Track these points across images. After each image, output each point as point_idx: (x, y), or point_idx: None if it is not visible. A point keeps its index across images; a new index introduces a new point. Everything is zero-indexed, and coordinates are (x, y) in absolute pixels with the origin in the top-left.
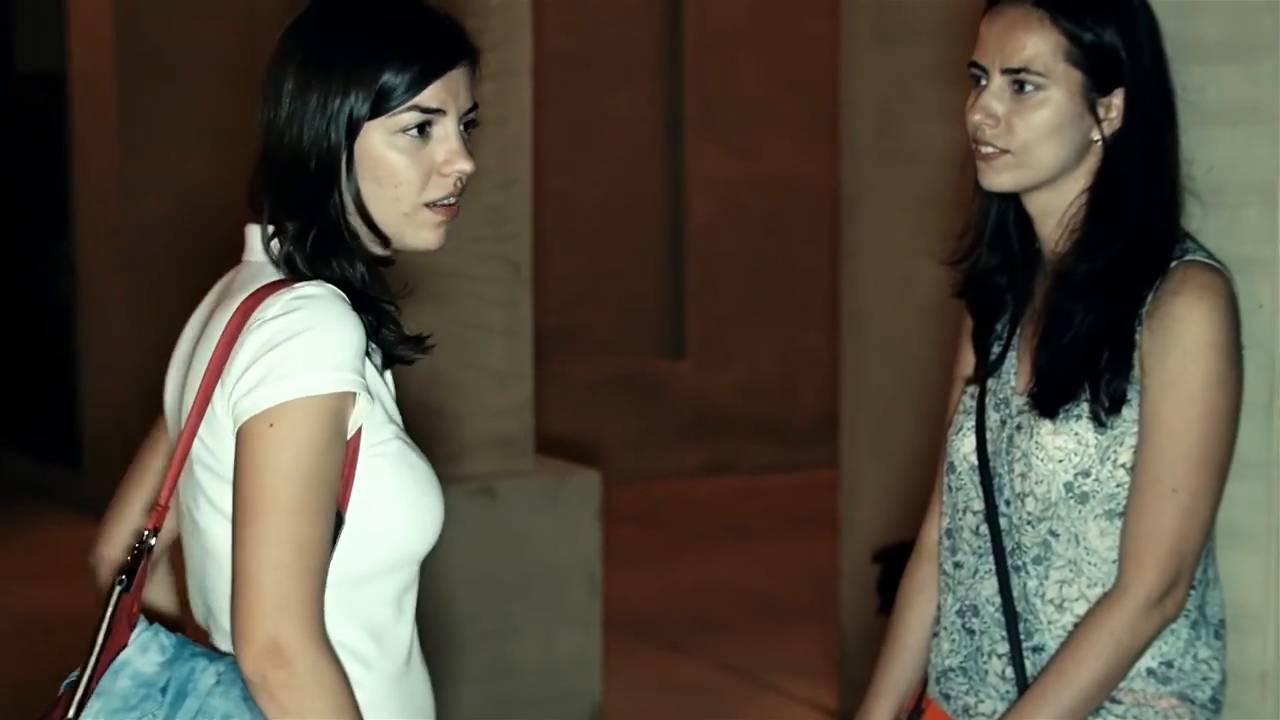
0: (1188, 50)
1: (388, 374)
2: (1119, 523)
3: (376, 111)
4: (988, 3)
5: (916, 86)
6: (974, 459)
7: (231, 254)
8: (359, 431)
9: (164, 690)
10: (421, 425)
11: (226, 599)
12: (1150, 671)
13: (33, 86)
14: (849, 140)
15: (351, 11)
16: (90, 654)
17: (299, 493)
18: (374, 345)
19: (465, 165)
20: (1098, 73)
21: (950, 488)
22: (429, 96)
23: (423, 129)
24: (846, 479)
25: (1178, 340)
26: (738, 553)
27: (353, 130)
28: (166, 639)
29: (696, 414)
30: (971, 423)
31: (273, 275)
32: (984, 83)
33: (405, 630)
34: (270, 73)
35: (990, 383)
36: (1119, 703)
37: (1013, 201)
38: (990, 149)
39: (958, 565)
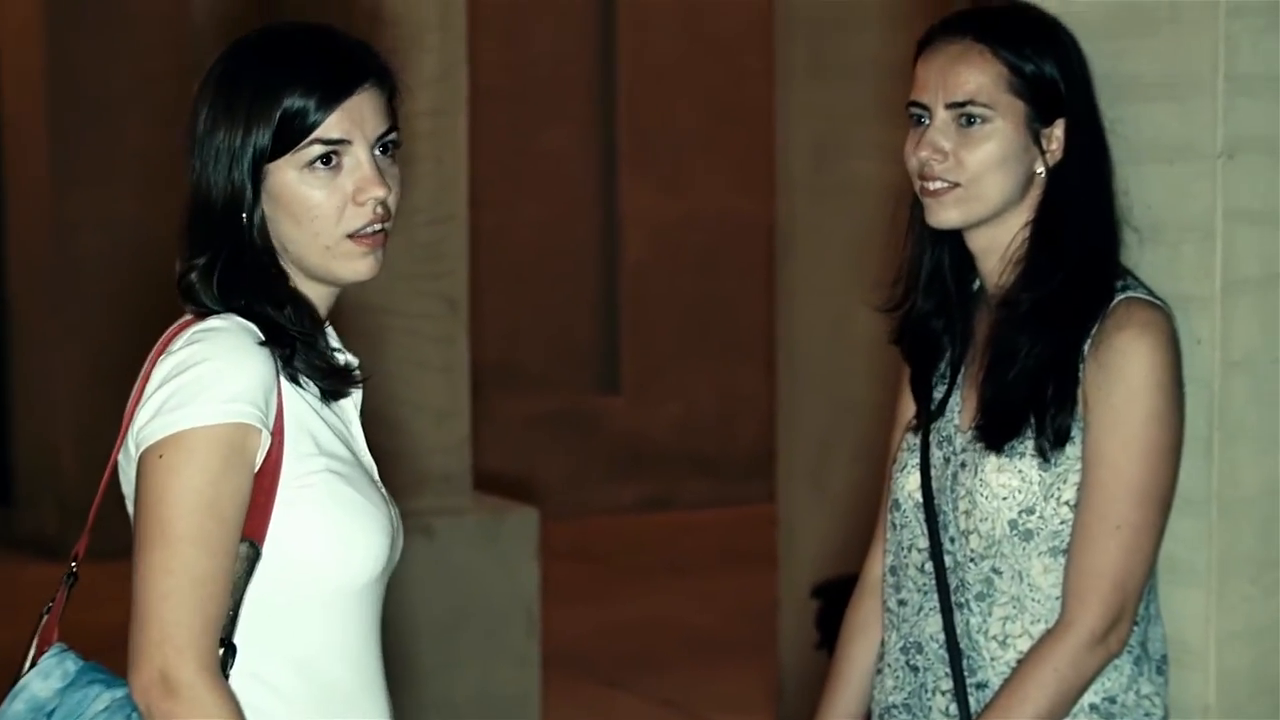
0: (1124, 88)
1: (344, 406)
2: (1063, 559)
3: (281, 147)
4: (919, 44)
5: (851, 123)
6: (919, 496)
7: (163, 291)
8: (277, 462)
9: (50, 715)
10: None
11: None
12: (1093, 707)
13: None
14: (783, 177)
15: (257, 49)
16: (17, 678)
17: (189, 523)
18: (305, 378)
19: (378, 191)
20: (1039, 103)
21: (895, 525)
22: (331, 126)
23: (329, 159)
24: (784, 515)
25: (1121, 377)
26: (675, 588)
27: (257, 166)
28: (73, 665)
29: (632, 450)
30: (916, 460)
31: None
32: (925, 122)
33: (341, 667)
34: (190, 119)
35: (934, 420)
36: None
37: (947, 245)
38: (939, 184)
39: (902, 603)
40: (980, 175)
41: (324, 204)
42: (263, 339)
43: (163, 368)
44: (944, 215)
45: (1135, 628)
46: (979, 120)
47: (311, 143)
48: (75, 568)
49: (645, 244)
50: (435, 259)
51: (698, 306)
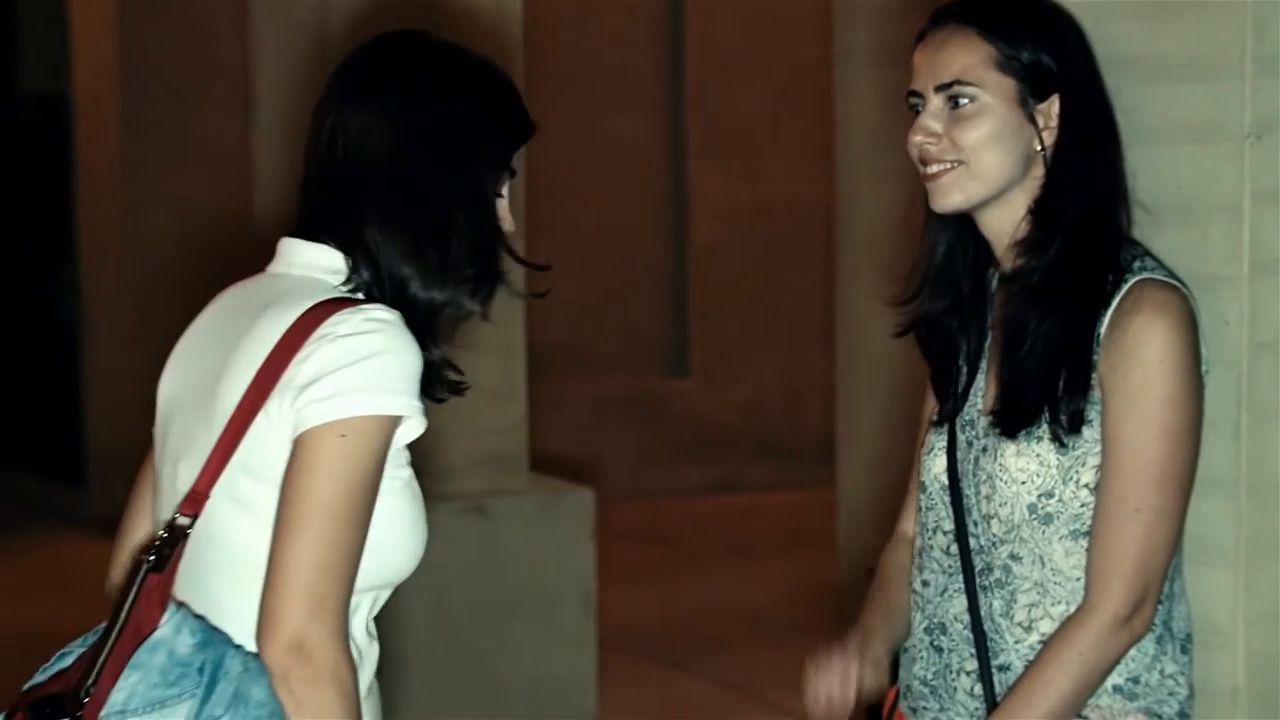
0: (1154, 69)
1: None
2: (1084, 542)
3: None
4: (916, 38)
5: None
6: (945, 479)
7: (231, 270)
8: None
9: (200, 670)
10: (414, 443)
11: (238, 596)
12: (1117, 688)
13: (37, 108)
14: (843, 161)
15: (460, 70)
16: (113, 627)
17: (352, 502)
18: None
19: (513, 225)
20: (1031, 80)
21: (921, 507)
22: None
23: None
24: (843, 496)
25: (1137, 360)
26: (739, 570)
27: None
28: (195, 623)
29: (700, 433)
30: (943, 443)
31: (326, 293)
32: (921, 109)
33: (375, 651)
34: (350, 102)
35: (958, 410)
36: None
37: (961, 240)
38: (938, 166)
39: (925, 584)
40: (975, 152)
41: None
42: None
43: (334, 349)
44: (946, 200)
45: (1159, 607)
46: (967, 100)
47: (508, 169)
48: (188, 529)
49: (714, 228)
50: None
51: (766, 290)
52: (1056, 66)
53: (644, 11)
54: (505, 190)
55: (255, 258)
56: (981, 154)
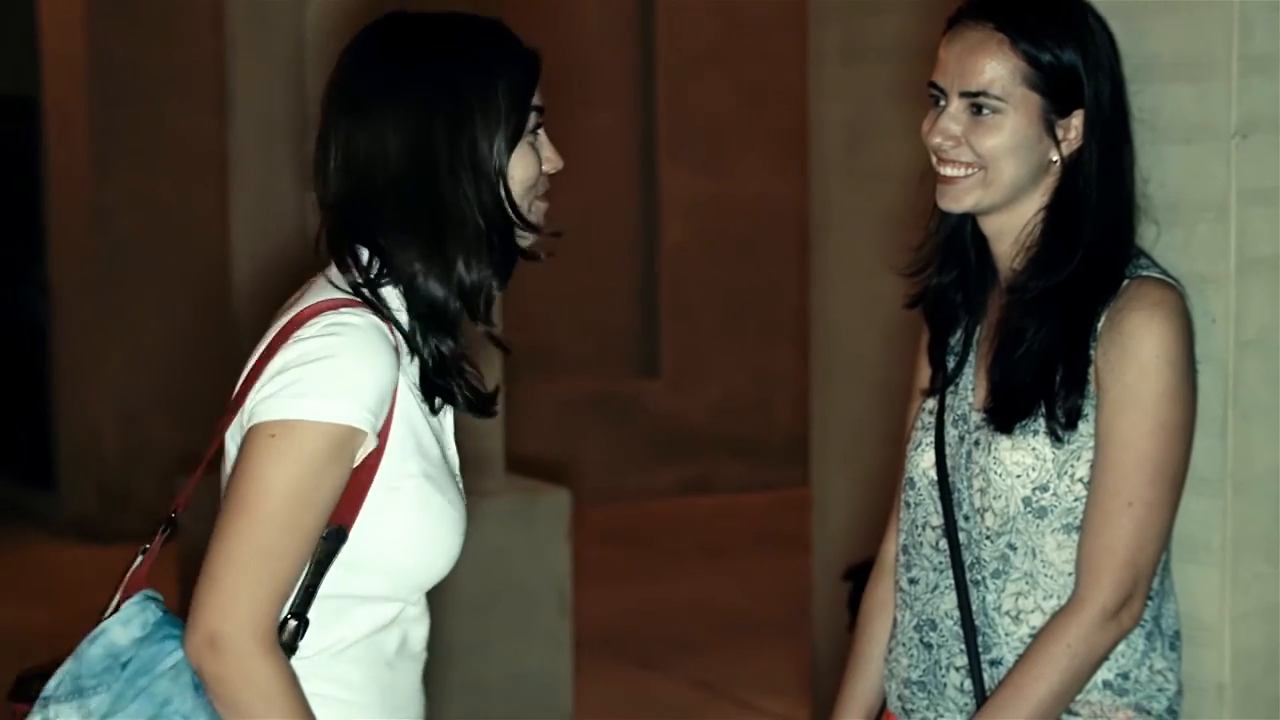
0: (1143, 69)
1: (444, 414)
2: (1076, 536)
3: (517, 132)
4: (947, 24)
5: (883, 105)
6: (933, 474)
7: (199, 272)
8: (378, 459)
9: (124, 665)
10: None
11: None
12: (1107, 684)
13: (6, 111)
14: (817, 160)
15: (440, 42)
16: (103, 612)
17: (278, 504)
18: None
19: (560, 162)
20: (1056, 95)
21: (909, 504)
22: (537, 98)
23: (536, 129)
24: (817, 496)
25: (1133, 356)
26: (711, 571)
27: (500, 159)
28: (153, 615)
29: (670, 433)
30: (930, 438)
31: (331, 293)
32: (942, 104)
33: (411, 668)
34: (354, 105)
35: (949, 398)
36: (1076, 715)
37: (969, 218)
38: (953, 170)
39: (913, 581)
40: (993, 160)
41: (531, 169)
42: (392, 340)
43: (292, 351)
44: (956, 204)
45: (1149, 603)
46: (989, 111)
47: (532, 110)
48: (175, 516)
49: (684, 227)
50: None
51: (736, 290)
52: (1085, 80)
53: (615, 10)
54: (532, 134)
55: (228, 259)
56: (999, 162)
